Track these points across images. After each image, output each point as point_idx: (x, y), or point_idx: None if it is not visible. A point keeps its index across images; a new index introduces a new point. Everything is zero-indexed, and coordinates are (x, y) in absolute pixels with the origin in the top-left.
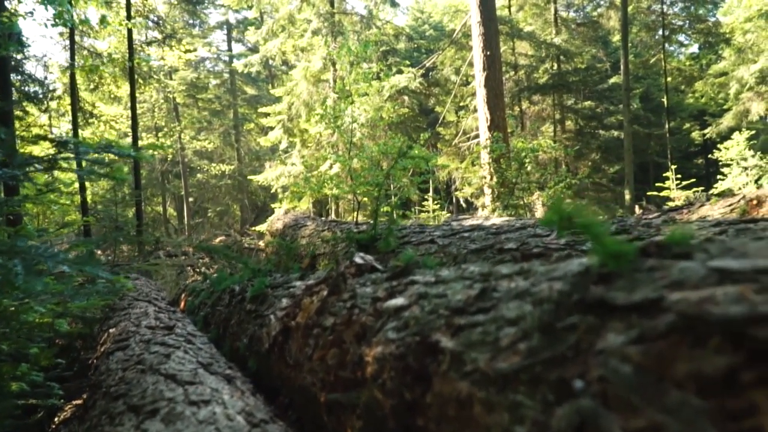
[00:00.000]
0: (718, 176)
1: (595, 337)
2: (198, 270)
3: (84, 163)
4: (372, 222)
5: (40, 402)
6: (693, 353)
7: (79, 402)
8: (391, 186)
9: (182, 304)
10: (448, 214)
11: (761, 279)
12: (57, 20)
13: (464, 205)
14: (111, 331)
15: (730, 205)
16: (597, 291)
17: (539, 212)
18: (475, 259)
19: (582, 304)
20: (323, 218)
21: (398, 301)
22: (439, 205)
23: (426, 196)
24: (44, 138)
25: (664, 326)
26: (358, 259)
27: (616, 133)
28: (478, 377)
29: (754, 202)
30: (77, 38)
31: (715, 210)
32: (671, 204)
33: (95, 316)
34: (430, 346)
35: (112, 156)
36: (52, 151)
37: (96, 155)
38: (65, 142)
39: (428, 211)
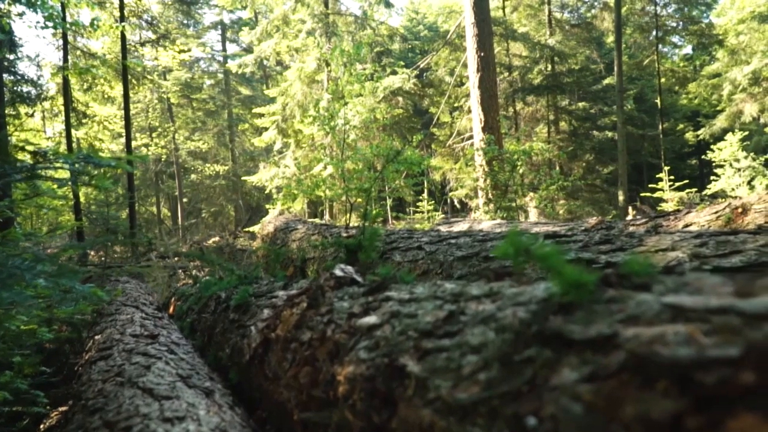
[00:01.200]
0: (712, 177)
1: (550, 372)
2: (188, 273)
3: (67, 174)
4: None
5: (25, 409)
6: (641, 395)
7: (64, 408)
8: (386, 187)
9: (171, 308)
10: (443, 215)
11: (712, 319)
12: (47, 23)
13: (458, 205)
14: (96, 338)
15: (716, 213)
16: (556, 322)
17: (533, 214)
18: (461, 267)
19: (540, 336)
20: (313, 221)
21: (371, 319)
22: (433, 206)
23: (420, 197)
24: (22, 149)
25: (615, 365)
26: (337, 272)
27: (610, 134)
28: (440, 406)
29: (739, 210)
30: (71, 38)
31: (701, 217)
32: (664, 205)
33: (85, 321)
34: (398, 370)
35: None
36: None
37: (77, 165)
38: (43, 153)
39: (422, 212)
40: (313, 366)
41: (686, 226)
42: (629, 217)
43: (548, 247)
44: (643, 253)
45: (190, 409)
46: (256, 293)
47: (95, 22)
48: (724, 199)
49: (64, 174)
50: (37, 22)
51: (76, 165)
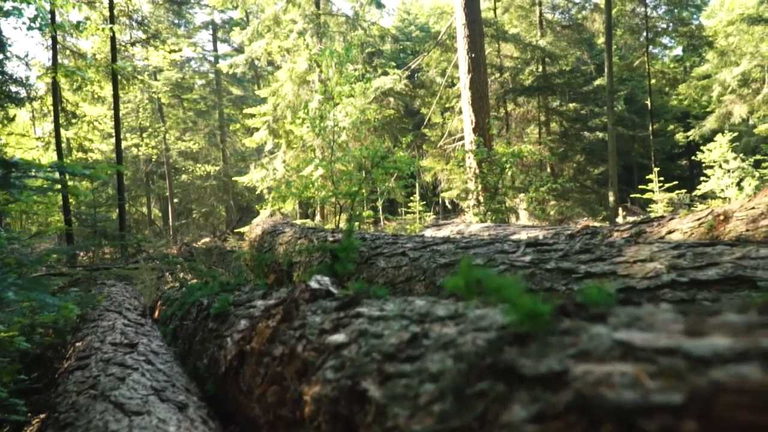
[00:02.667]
0: (702, 178)
1: (501, 408)
2: (175, 276)
3: (40, 182)
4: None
5: (6, 417)
6: None
7: (45, 416)
8: (378, 189)
9: (157, 312)
10: (434, 216)
11: (659, 360)
12: (32, 24)
13: (450, 206)
14: (77, 345)
15: (698, 219)
16: (510, 354)
17: (524, 215)
18: (444, 274)
19: (494, 369)
20: (301, 224)
21: (340, 337)
22: (424, 207)
23: (411, 198)
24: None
25: (563, 405)
26: (313, 284)
27: (600, 135)
28: None
29: (721, 217)
30: (60, 38)
31: (684, 223)
32: (654, 206)
33: (70, 325)
34: (360, 394)
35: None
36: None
37: (50, 173)
38: (14, 163)
39: (414, 212)
40: (281, 384)
41: (669, 232)
42: (619, 218)
43: (500, 278)
44: (621, 264)
45: (159, 425)
46: (235, 302)
47: (80, 25)
48: (714, 200)
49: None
50: (24, 23)
51: (50, 173)
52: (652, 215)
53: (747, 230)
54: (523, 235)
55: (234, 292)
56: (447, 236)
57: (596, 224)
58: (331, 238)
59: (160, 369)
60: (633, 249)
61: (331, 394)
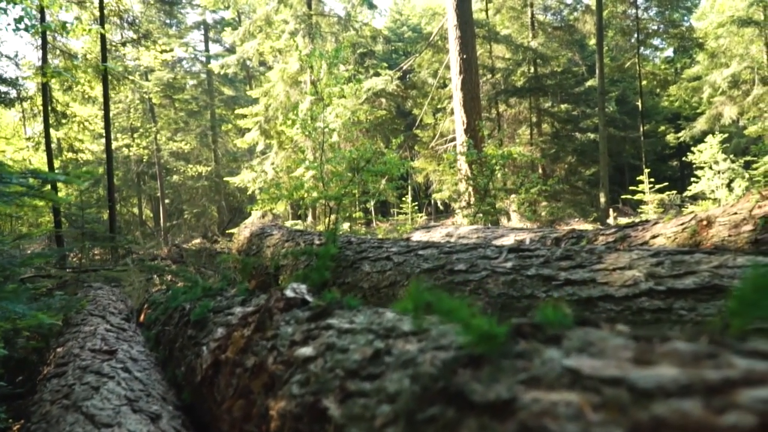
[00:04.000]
0: (692, 179)
1: None
2: (162, 279)
3: (15, 187)
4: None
5: None
6: None
7: (18, 426)
8: (370, 189)
9: (142, 316)
10: (426, 217)
11: (604, 391)
12: (18, 25)
13: (442, 207)
14: (58, 350)
15: (682, 224)
16: (463, 378)
17: (515, 217)
18: (427, 279)
19: (446, 394)
20: (289, 227)
21: (307, 350)
22: (416, 208)
23: (404, 199)
24: None
25: None
26: (289, 292)
27: (592, 136)
28: None
29: (704, 222)
30: (50, 38)
31: (668, 228)
32: (645, 207)
33: (55, 328)
34: (320, 413)
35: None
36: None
37: (24, 179)
38: None
39: (406, 213)
40: (248, 398)
41: (654, 237)
42: (610, 219)
43: (451, 301)
44: (601, 271)
45: None
46: (215, 308)
47: (67, 25)
48: (704, 201)
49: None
50: (8, 24)
51: (24, 179)
52: (643, 216)
53: (729, 236)
54: (512, 238)
55: (216, 297)
56: (431, 241)
57: (587, 226)
58: (317, 242)
59: (137, 377)
60: (613, 256)
61: (295, 411)
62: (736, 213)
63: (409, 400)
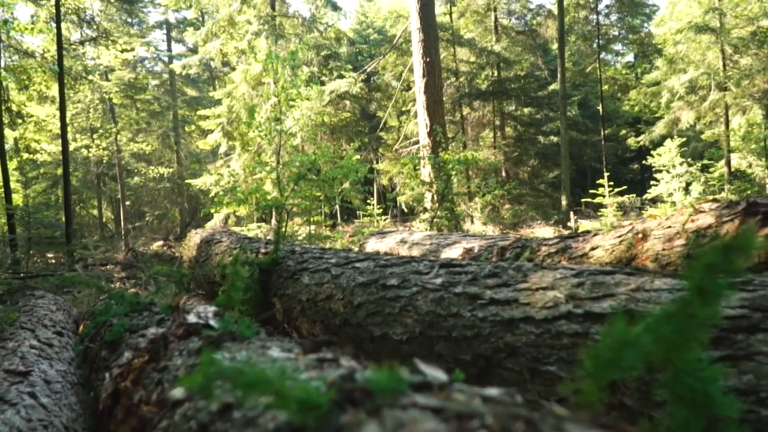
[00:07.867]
0: (652, 182)
1: None
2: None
3: None
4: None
5: None
6: None
7: None
8: (336, 191)
9: (80, 327)
10: (391, 219)
11: None
12: None
13: (407, 210)
14: None
15: (619, 237)
16: None
17: (478, 220)
18: (361, 293)
19: None
20: (239, 232)
21: (179, 392)
22: (382, 210)
23: (368, 201)
24: None
25: None
26: (191, 317)
27: (554, 140)
28: None
29: (640, 235)
30: (3, 36)
31: (606, 240)
32: (604, 210)
33: None
34: None
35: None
36: None
37: None
38: None
39: (370, 215)
40: None
41: (593, 248)
42: (571, 222)
43: (255, 371)
44: (524, 291)
45: None
46: (131, 327)
47: (6, 23)
48: (663, 203)
49: None
50: None
51: None
52: (602, 219)
53: (663, 249)
54: (462, 245)
55: (143, 313)
56: (369, 253)
57: (549, 229)
58: (263, 250)
59: (42, 403)
60: (538, 275)
61: None
62: (670, 226)
63: None
